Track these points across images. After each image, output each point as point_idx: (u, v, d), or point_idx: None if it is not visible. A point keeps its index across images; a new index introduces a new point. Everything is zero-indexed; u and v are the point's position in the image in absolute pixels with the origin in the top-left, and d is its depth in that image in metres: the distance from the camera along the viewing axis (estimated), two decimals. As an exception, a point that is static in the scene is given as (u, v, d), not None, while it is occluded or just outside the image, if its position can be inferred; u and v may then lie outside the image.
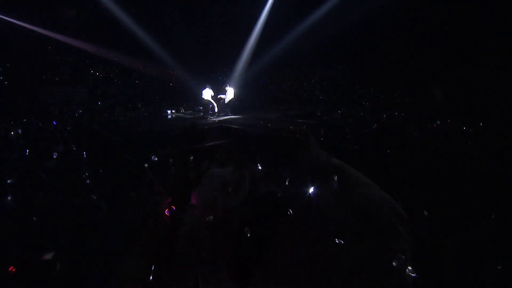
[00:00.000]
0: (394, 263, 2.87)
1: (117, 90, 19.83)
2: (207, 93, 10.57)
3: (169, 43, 16.23)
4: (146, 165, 5.20)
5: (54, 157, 6.71)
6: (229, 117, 10.44)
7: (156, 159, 5.53)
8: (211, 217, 4.14)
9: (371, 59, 16.42)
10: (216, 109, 10.67)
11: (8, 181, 4.50)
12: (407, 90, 14.95)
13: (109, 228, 3.50)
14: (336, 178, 4.82)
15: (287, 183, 4.93)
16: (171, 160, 5.75)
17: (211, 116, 10.52)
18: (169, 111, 11.93)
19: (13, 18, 16.20)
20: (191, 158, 5.84)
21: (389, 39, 15.50)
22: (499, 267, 2.63)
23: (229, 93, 10.84)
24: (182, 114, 11.89)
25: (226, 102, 10.82)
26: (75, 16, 19.20)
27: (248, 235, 3.35)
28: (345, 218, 3.56)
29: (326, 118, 11.22)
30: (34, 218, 3.33)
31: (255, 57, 14.41)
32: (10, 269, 2.41)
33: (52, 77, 19.15)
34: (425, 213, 3.41)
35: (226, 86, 10.99)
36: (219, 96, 10.84)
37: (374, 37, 15.54)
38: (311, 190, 4.70)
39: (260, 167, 5.88)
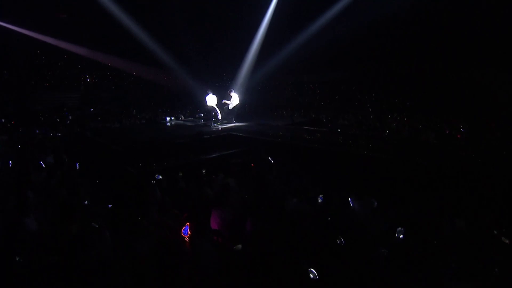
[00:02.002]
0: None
1: (110, 95, 18.97)
2: (211, 99, 9.91)
3: (167, 45, 15.52)
4: (153, 181, 4.50)
5: (43, 166, 5.95)
6: (233, 124, 9.79)
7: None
8: (240, 246, 3.46)
9: (376, 64, 16.21)
10: (219, 116, 10.01)
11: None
12: (414, 94, 14.70)
13: (117, 264, 2.78)
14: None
15: (320, 200, 4.32)
16: (180, 173, 5.05)
17: (214, 123, 9.85)
18: (168, 118, 11.22)
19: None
20: (204, 171, 5.17)
21: (394, 43, 15.35)
22: None
23: (234, 99, 10.21)
24: (182, 121, 11.19)
25: (230, 108, 10.19)
26: (66, 18, 18.41)
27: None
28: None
29: (334, 125, 10.76)
30: (17, 258, 2.58)
31: (259, 62, 13.94)
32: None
33: (41, 81, 18.19)
34: (506, 240, 2.84)
35: (231, 91, 10.35)
36: (223, 102, 10.20)
37: (380, 41, 15.34)
38: (350, 207, 4.08)
39: (282, 181, 5.26)
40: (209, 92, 10.08)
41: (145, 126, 10.70)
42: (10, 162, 6.09)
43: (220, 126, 9.55)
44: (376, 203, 4.26)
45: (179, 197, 4.46)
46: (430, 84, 16.01)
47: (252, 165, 5.59)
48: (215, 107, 9.92)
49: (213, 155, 6.59)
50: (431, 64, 15.55)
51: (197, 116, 12.01)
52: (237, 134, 7.84)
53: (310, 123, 10.71)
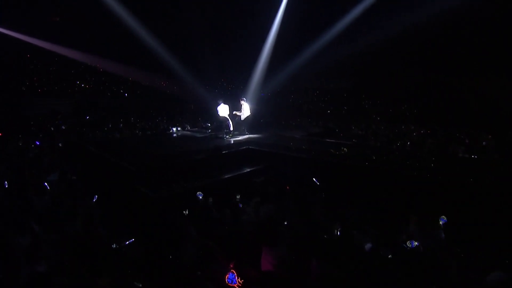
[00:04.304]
0: None
1: (106, 102, 18.10)
2: (223, 110, 9.31)
3: (170, 49, 14.75)
4: (185, 211, 3.85)
5: (47, 188, 5.19)
6: (247, 136, 9.20)
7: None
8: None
9: (380, 71, 16.02)
10: (231, 127, 9.41)
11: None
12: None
13: None
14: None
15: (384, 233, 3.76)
16: (210, 199, 4.42)
17: (226, 135, 9.24)
18: (174, 129, 10.54)
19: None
20: (238, 196, 4.56)
21: (399, 51, 15.22)
22: None
23: (245, 109, 9.63)
24: (189, 132, 10.52)
25: (242, 119, 9.60)
26: (59, 20, 17.55)
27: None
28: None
29: (346, 134, 10.34)
30: None
31: (270, 71, 13.50)
32: None
33: (32, 87, 17.18)
34: None
35: (242, 100, 9.75)
36: (234, 113, 9.61)
37: (385, 49, 15.18)
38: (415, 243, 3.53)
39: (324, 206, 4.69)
40: (220, 102, 9.48)
41: (150, 138, 9.99)
42: (6, 182, 5.27)
43: (232, 139, 8.94)
44: (443, 235, 3.76)
45: (213, 231, 3.84)
46: (436, 91, 15.93)
47: (288, 187, 5.03)
48: (228, 117, 9.33)
49: (236, 174, 6.00)
50: (435, 71, 15.52)
51: (204, 126, 11.39)
52: (257, 148, 7.25)
53: (325, 133, 10.27)
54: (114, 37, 16.09)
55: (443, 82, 15.63)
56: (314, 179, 4.73)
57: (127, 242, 3.73)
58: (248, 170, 6.23)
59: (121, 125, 13.54)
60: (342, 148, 7.18)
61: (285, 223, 3.97)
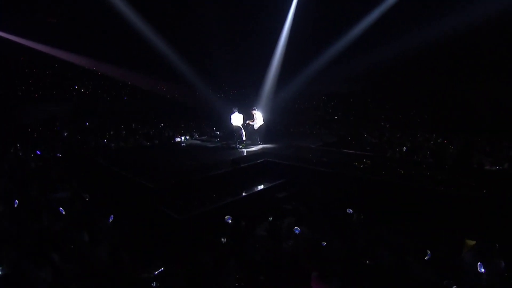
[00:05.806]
0: None
1: (106, 107, 17.61)
2: (237, 118, 9.00)
3: (169, 47, 14.25)
4: (223, 239, 3.51)
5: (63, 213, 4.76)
6: (261, 146, 8.89)
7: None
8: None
9: (386, 76, 15.94)
10: (244, 137, 9.09)
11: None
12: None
13: None
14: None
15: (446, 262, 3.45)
16: (243, 222, 4.09)
17: (238, 145, 8.92)
18: (182, 138, 10.18)
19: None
20: (271, 218, 4.23)
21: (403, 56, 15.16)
22: None
23: (258, 118, 9.34)
24: (199, 141, 10.16)
25: (255, 128, 9.30)
26: (56, 21, 17.06)
27: None
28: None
29: (360, 143, 10.11)
30: None
31: (281, 76, 13.27)
32: None
33: (28, 92, 16.60)
34: None
35: (253, 110, 9.46)
36: (247, 122, 9.30)
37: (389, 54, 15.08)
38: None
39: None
40: (235, 110, 9.16)
41: (159, 147, 9.61)
42: (16, 201, 4.85)
43: (245, 149, 8.63)
44: (503, 264, 3.50)
45: (254, 259, 3.50)
46: (441, 96, 15.88)
47: (318, 206, 4.72)
48: (241, 127, 9.01)
49: (260, 190, 5.67)
50: (442, 76, 15.49)
51: (213, 134, 11.06)
52: (276, 160, 6.93)
53: (340, 142, 10.03)
54: (113, 38, 15.68)
55: (449, 86, 15.58)
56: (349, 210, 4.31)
57: (156, 272, 3.40)
58: (270, 185, 5.90)
59: (124, 132, 13.09)
60: (365, 160, 6.93)
61: (323, 244, 3.68)
